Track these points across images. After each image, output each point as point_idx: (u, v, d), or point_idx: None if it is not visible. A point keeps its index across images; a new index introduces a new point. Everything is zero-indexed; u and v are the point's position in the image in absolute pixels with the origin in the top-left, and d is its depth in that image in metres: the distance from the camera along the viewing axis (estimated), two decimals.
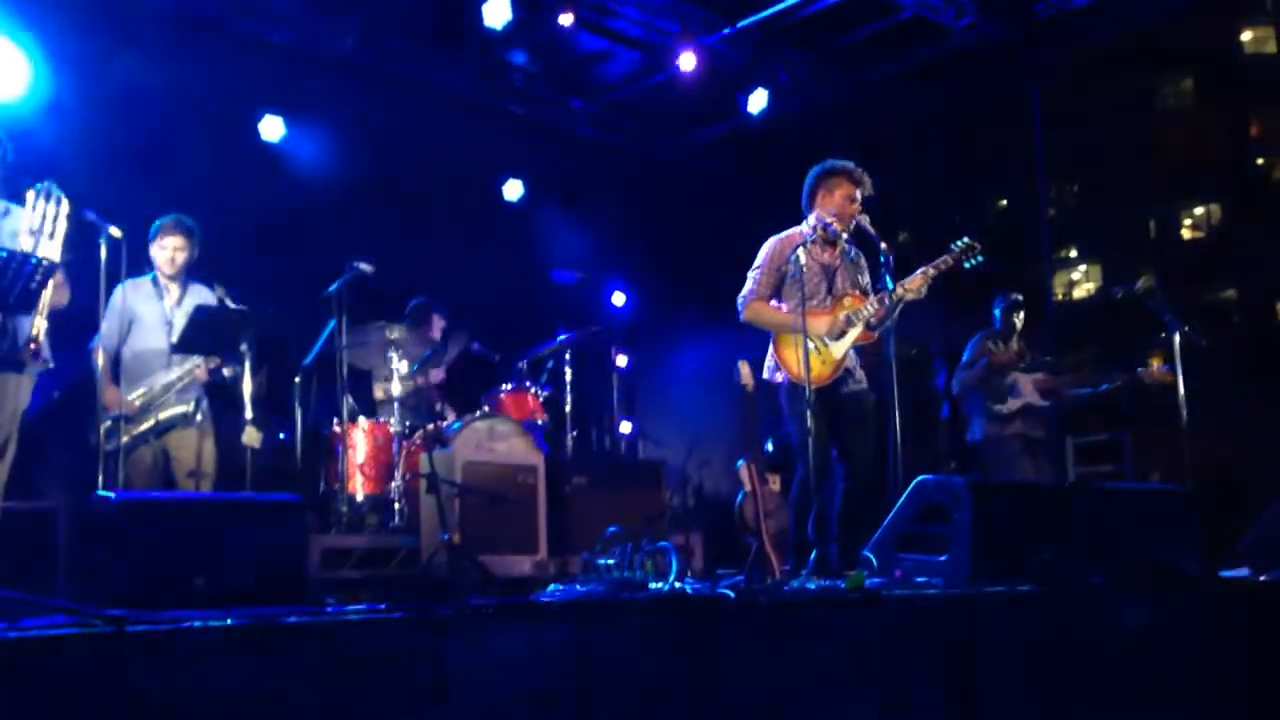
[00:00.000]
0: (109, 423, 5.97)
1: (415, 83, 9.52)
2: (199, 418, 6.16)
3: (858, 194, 5.84)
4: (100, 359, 6.14)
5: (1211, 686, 4.50)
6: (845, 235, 5.85)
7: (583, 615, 3.16)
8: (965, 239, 5.80)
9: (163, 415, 6.09)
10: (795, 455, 5.75)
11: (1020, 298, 8.20)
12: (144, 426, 6.08)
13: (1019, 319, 8.12)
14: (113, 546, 3.68)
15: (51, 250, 4.70)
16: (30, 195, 4.72)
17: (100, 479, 5.72)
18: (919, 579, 4.56)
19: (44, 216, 4.69)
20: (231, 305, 6.11)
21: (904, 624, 3.93)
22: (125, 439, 6.01)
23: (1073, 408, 8.44)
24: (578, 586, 4.39)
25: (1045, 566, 4.55)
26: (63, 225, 4.73)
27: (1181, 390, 6.95)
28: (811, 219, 5.90)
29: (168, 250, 6.25)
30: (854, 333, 5.75)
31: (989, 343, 8.04)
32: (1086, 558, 4.71)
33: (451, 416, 7.63)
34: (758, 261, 5.93)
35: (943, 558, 4.56)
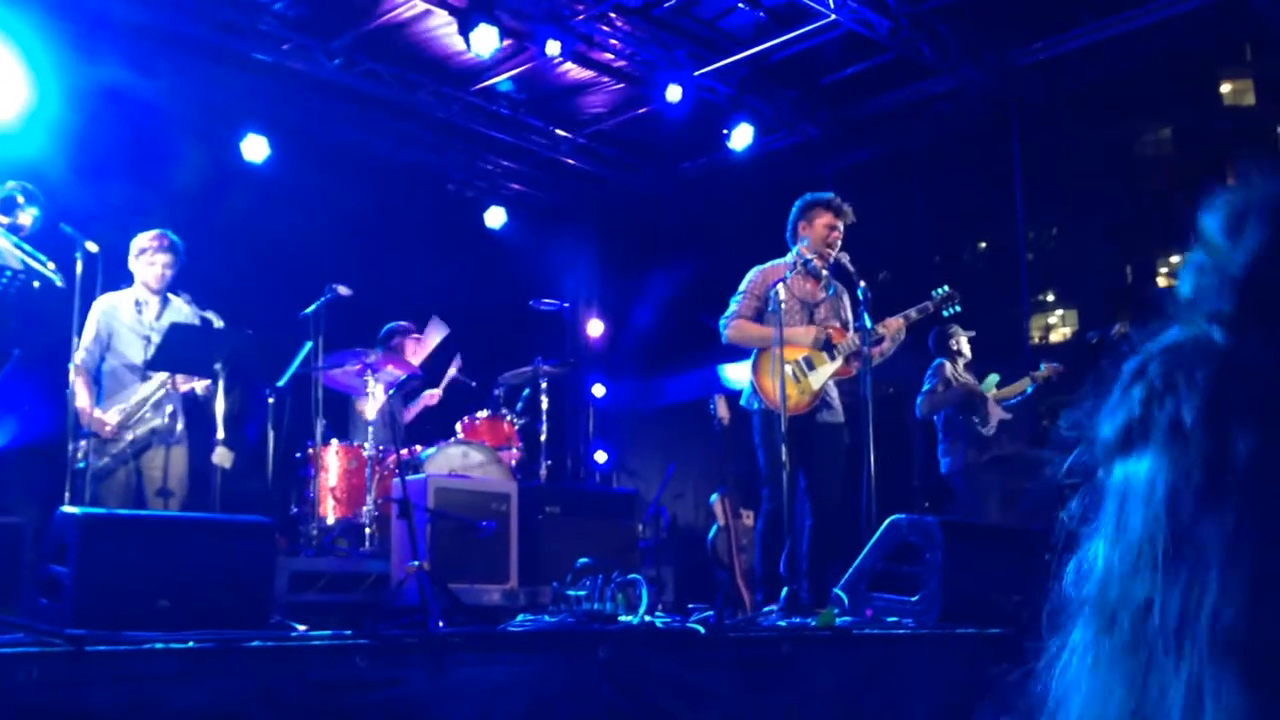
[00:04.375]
0: (85, 441, 5.89)
1: (401, 107, 9.53)
2: (176, 430, 6.08)
3: (839, 224, 5.88)
4: (76, 375, 6.07)
5: None
6: (825, 270, 5.89)
7: (548, 646, 3.14)
8: (945, 287, 5.88)
9: (140, 431, 6.02)
10: (763, 483, 5.75)
11: (952, 327, 8.11)
12: (122, 445, 6.00)
13: (961, 345, 8.06)
14: (75, 564, 3.62)
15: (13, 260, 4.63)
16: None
17: (69, 495, 5.65)
18: (890, 619, 4.55)
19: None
20: (215, 321, 6.04)
21: (873, 663, 3.92)
22: (105, 460, 5.92)
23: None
24: (546, 617, 4.36)
25: (1016, 609, 4.54)
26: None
27: None
28: (794, 252, 5.93)
29: (157, 266, 6.14)
30: (833, 365, 5.76)
31: (949, 368, 7.97)
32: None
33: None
34: (741, 287, 5.97)
35: (914, 598, 4.56)
